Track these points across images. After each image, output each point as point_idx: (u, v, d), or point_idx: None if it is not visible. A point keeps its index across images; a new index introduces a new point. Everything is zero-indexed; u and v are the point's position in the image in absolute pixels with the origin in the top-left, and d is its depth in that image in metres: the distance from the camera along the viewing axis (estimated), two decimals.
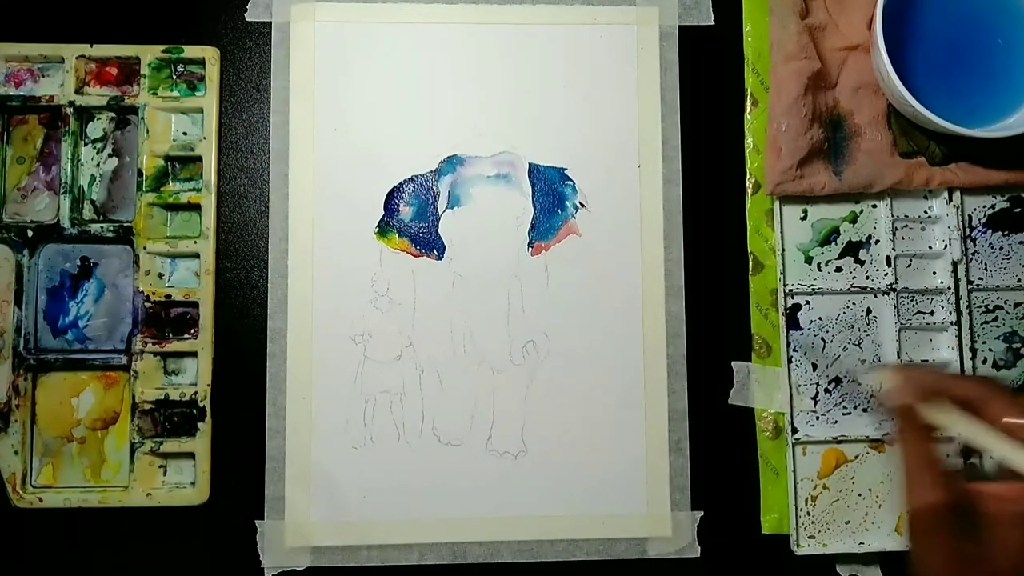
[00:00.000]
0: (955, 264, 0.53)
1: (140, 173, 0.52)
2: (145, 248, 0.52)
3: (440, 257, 0.53)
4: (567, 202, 0.54)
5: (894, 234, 0.54)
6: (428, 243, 0.53)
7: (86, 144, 0.54)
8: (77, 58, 0.52)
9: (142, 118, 0.53)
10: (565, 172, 0.54)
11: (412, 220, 0.53)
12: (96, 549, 0.51)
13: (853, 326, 0.54)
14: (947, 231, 0.53)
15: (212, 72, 0.53)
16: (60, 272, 0.53)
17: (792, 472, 0.52)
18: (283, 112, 0.53)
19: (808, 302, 0.54)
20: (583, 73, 0.54)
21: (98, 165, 0.54)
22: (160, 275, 0.53)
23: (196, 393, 0.51)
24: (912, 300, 0.54)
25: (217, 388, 0.52)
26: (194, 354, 0.52)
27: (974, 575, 0.36)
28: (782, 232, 0.54)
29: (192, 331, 0.53)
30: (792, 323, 0.53)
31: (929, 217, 0.54)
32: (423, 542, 0.51)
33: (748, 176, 0.54)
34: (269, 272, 0.52)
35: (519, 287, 0.53)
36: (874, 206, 0.54)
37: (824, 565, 0.53)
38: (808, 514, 0.52)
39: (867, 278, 0.54)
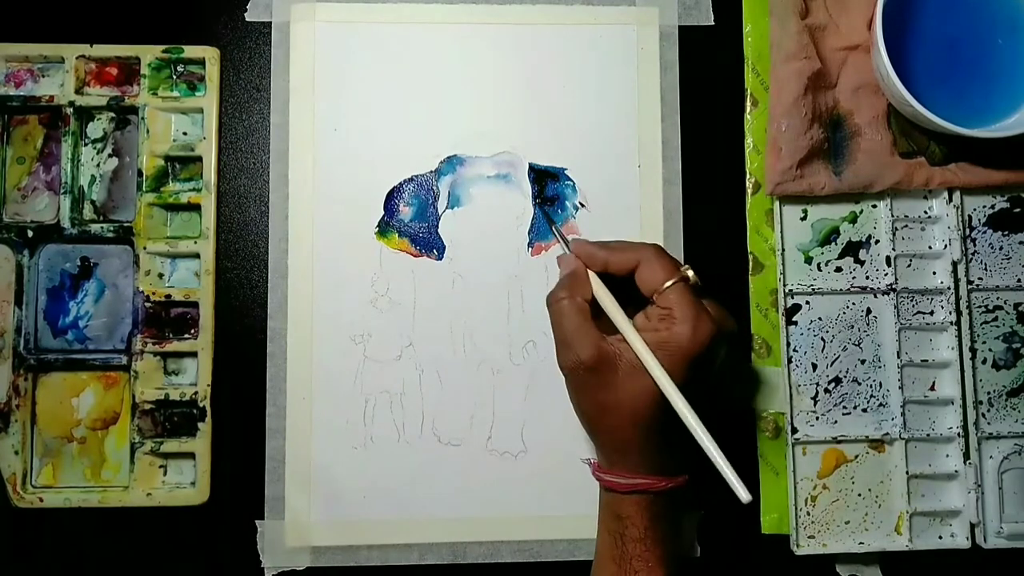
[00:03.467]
0: (955, 264, 0.54)
1: (140, 173, 0.52)
2: (145, 248, 0.52)
3: (440, 257, 0.53)
4: (567, 202, 0.54)
5: (894, 234, 0.54)
6: (428, 243, 0.53)
7: (86, 144, 0.54)
8: (77, 58, 0.52)
9: (142, 118, 0.53)
10: (565, 172, 0.54)
11: (412, 220, 0.53)
12: (96, 549, 0.51)
13: (853, 326, 0.54)
14: (947, 231, 0.53)
15: (212, 72, 0.53)
16: (60, 272, 0.53)
17: (792, 472, 0.52)
18: (283, 112, 0.53)
19: (808, 302, 0.54)
20: (583, 73, 0.54)
21: (98, 165, 0.54)
22: (160, 275, 0.53)
23: (196, 393, 0.51)
24: (912, 300, 0.54)
25: (217, 388, 0.52)
26: (194, 354, 0.52)
27: (614, 419, 0.42)
28: (782, 232, 0.54)
29: (192, 331, 0.53)
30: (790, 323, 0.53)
31: (929, 217, 0.54)
32: (423, 542, 0.51)
33: (748, 176, 0.54)
34: (269, 272, 0.52)
35: (519, 287, 0.53)
36: (874, 206, 0.54)
37: (824, 565, 0.53)
38: (808, 514, 0.52)
39: (867, 278, 0.54)
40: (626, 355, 0.41)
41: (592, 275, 0.44)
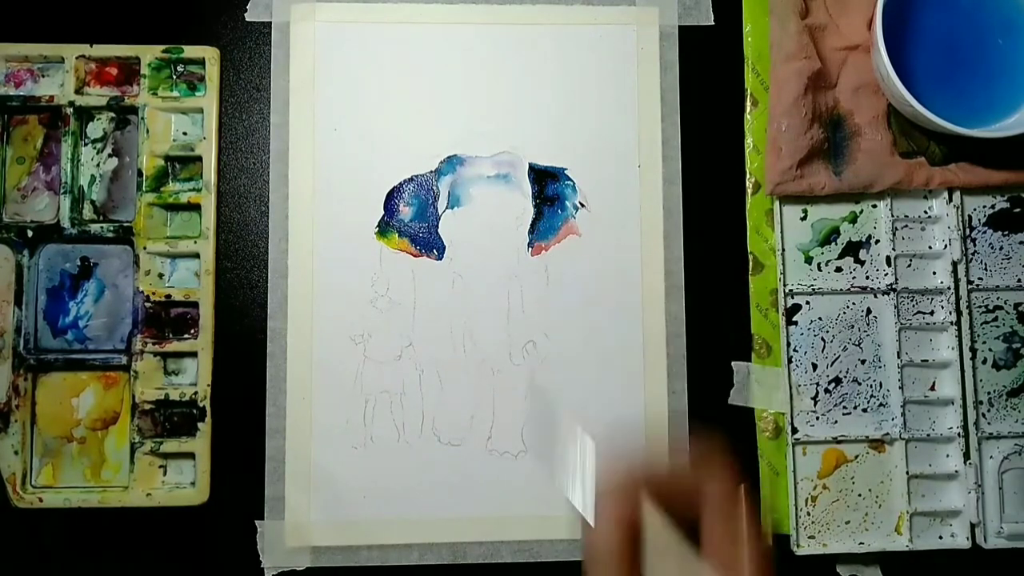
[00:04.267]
0: (955, 264, 0.53)
1: (140, 173, 0.52)
2: (145, 248, 0.52)
3: (440, 257, 0.53)
4: (567, 202, 0.54)
5: (894, 234, 0.54)
6: (428, 243, 0.53)
7: (86, 144, 0.54)
8: (77, 58, 0.52)
9: (142, 118, 0.53)
10: (565, 172, 0.54)
11: (412, 220, 0.53)
12: (96, 549, 0.51)
13: (853, 326, 0.54)
14: (947, 231, 0.53)
15: (212, 72, 0.53)
16: (60, 272, 0.53)
17: (792, 472, 0.52)
18: (283, 112, 0.53)
19: (808, 302, 0.54)
20: (583, 73, 0.54)
21: (98, 165, 0.54)
22: (160, 275, 0.53)
23: (196, 393, 0.51)
24: (912, 300, 0.54)
25: (217, 388, 0.52)
26: (194, 354, 0.52)
27: None
28: (782, 232, 0.54)
29: (192, 331, 0.53)
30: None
31: (929, 217, 0.54)
32: (423, 542, 0.51)
33: (748, 176, 0.54)
34: (269, 272, 0.52)
35: (519, 287, 0.53)
36: (874, 206, 0.54)
37: (824, 565, 0.53)
38: (808, 514, 0.52)
39: (867, 278, 0.54)
40: None
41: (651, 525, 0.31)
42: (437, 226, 0.53)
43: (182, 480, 0.52)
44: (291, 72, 0.53)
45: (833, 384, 0.53)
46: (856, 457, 0.53)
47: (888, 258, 0.54)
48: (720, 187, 0.54)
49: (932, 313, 0.54)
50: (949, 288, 0.53)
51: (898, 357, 0.53)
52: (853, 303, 0.54)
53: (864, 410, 0.53)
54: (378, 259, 0.53)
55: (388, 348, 0.52)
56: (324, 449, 0.51)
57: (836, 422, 0.53)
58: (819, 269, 0.54)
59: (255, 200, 0.53)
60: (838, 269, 0.54)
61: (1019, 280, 0.54)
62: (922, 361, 0.53)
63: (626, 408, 0.52)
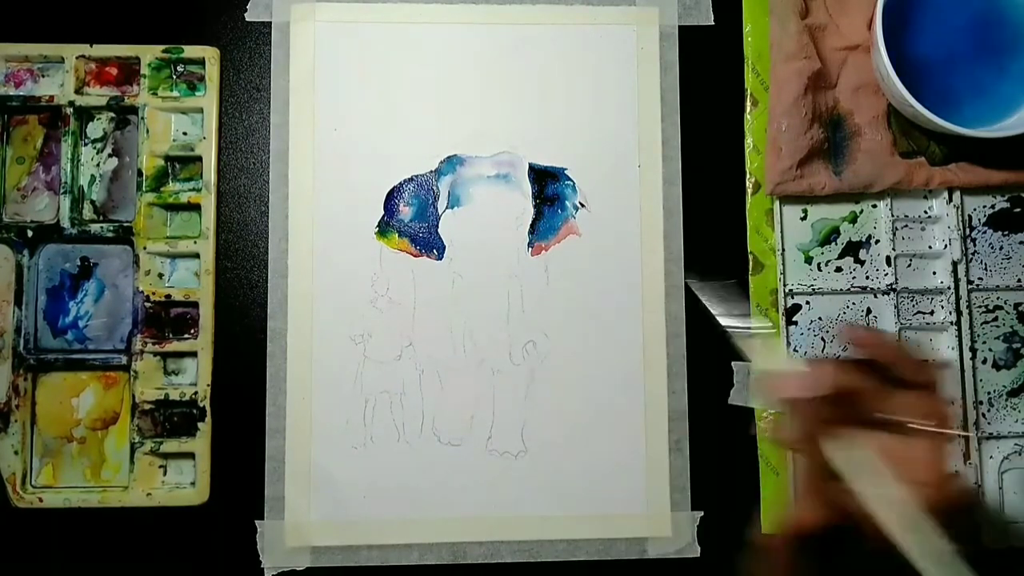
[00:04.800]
0: (955, 264, 0.53)
1: (140, 173, 0.52)
2: (145, 248, 0.52)
3: (440, 257, 0.53)
4: (567, 202, 0.54)
5: (894, 234, 0.54)
6: (428, 243, 0.53)
7: (86, 144, 0.54)
8: (77, 58, 0.52)
9: (142, 118, 0.53)
10: (565, 172, 0.54)
11: (412, 220, 0.53)
12: (96, 549, 0.51)
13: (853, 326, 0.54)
14: (947, 231, 0.53)
15: (212, 72, 0.53)
16: (60, 272, 0.53)
17: (792, 472, 0.52)
18: (283, 112, 0.53)
19: (808, 302, 0.54)
20: (583, 73, 0.54)
21: (98, 165, 0.54)
22: (160, 275, 0.53)
23: (196, 393, 0.51)
24: (912, 300, 0.54)
25: (217, 388, 0.52)
26: (194, 354, 0.52)
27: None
28: (782, 232, 0.54)
29: (192, 331, 0.53)
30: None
31: (929, 217, 0.54)
32: (423, 542, 0.51)
33: (748, 176, 0.54)
34: (269, 272, 0.52)
35: (519, 287, 0.53)
36: (874, 206, 0.54)
37: None
38: None
39: (867, 278, 0.54)
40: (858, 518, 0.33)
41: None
42: (437, 226, 0.53)
43: (182, 480, 0.52)
44: (291, 72, 0.53)
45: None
46: None
47: (888, 258, 0.54)
48: (720, 187, 0.54)
49: (932, 313, 0.54)
50: (949, 288, 0.53)
51: None
52: (853, 303, 0.54)
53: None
54: (378, 259, 0.53)
55: (388, 348, 0.52)
56: (324, 449, 0.51)
57: None
58: (819, 269, 0.54)
59: (255, 200, 0.53)
60: (838, 269, 0.54)
61: (1019, 280, 0.54)
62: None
63: (626, 408, 0.52)
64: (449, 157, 0.53)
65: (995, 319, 0.54)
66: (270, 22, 0.54)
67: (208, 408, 0.51)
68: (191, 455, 0.51)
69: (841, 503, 0.33)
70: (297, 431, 0.51)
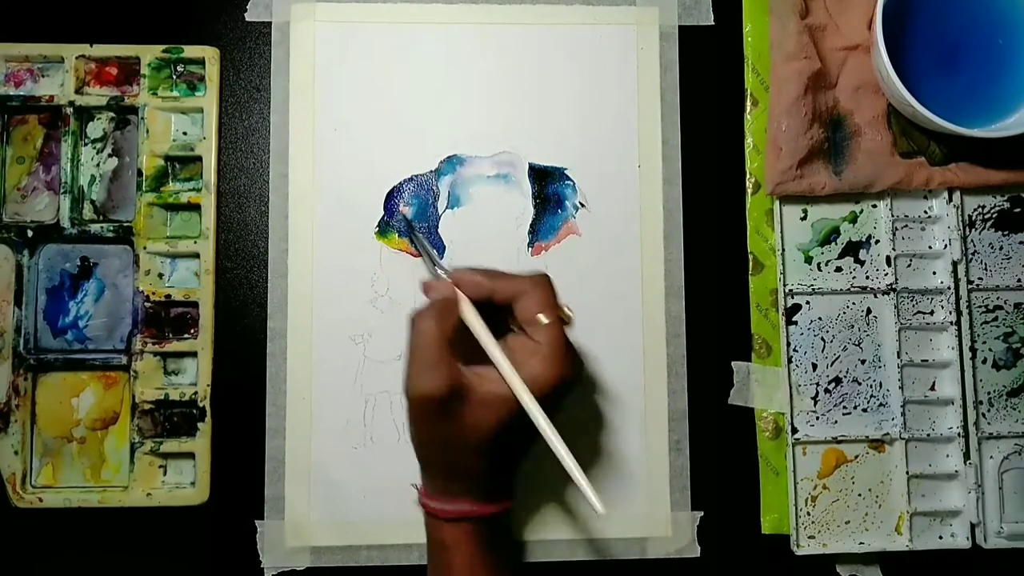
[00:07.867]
0: (955, 264, 0.54)
1: (140, 173, 0.52)
2: (145, 248, 0.52)
3: (440, 257, 0.53)
4: (567, 202, 0.54)
5: (894, 234, 0.54)
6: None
7: (86, 144, 0.54)
8: (77, 58, 0.52)
9: (142, 118, 0.53)
10: (565, 172, 0.54)
11: (412, 220, 0.53)
12: (96, 549, 0.51)
13: (853, 326, 0.54)
14: (947, 231, 0.53)
15: (212, 72, 0.53)
16: (60, 272, 0.53)
17: (792, 472, 0.52)
18: (283, 112, 0.53)
19: (808, 302, 0.54)
20: (583, 73, 0.54)
21: (98, 165, 0.54)
22: (160, 275, 0.53)
23: (196, 393, 0.51)
24: (912, 300, 0.54)
25: (217, 388, 0.52)
26: (194, 354, 0.52)
27: (452, 448, 0.41)
28: (782, 232, 0.54)
29: (192, 331, 0.53)
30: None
31: (929, 217, 0.54)
32: (423, 542, 0.51)
33: (748, 176, 0.54)
34: (269, 272, 0.52)
35: None
36: (874, 206, 0.54)
37: (824, 565, 0.53)
38: (808, 514, 0.52)
39: (867, 278, 0.54)
40: (479, 389, 0.40)
41: (466, 302, 0.42)
42: (437, 226, 0.53)
43: (182, 480, 0.52)
44: (291, 72, 0.53)
45: (833, 384, 0.53)
46: (856, 457, 0.53)
47: (888, 258, 0.54)
48: (720, 187, 0.54)
49: (932, 313, 0.54)
50: (949, 288, 0.53)
51: (898, 357, 0.53)
52: (853, 303, 0.54)
53: (864, 410, 0.53)
54: (378, 259, 0.53)
55: (388, 348, 0.52)
56: (324, 449, 0.51)
57: (836, 422, 0.53)
58: (819, 269, 0.54)
59: (255, 200, 0.53)
60: (838, 269, 0.54)
61: (1019, 280, 0.54)
62: (922, 361, 0.53)
63: (626, 408, 0.52)
64: (449, 157, 0.53)
65: (995, 319, 0.54)
66: (270, 22, 0.54)
67: (208, 408, 0.51)
68: (191, 455, 0.51)
69: (453, 371, 0.40)
70: (297, 431, 0.51)
